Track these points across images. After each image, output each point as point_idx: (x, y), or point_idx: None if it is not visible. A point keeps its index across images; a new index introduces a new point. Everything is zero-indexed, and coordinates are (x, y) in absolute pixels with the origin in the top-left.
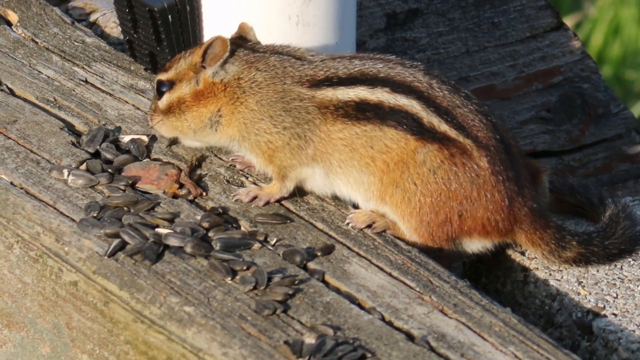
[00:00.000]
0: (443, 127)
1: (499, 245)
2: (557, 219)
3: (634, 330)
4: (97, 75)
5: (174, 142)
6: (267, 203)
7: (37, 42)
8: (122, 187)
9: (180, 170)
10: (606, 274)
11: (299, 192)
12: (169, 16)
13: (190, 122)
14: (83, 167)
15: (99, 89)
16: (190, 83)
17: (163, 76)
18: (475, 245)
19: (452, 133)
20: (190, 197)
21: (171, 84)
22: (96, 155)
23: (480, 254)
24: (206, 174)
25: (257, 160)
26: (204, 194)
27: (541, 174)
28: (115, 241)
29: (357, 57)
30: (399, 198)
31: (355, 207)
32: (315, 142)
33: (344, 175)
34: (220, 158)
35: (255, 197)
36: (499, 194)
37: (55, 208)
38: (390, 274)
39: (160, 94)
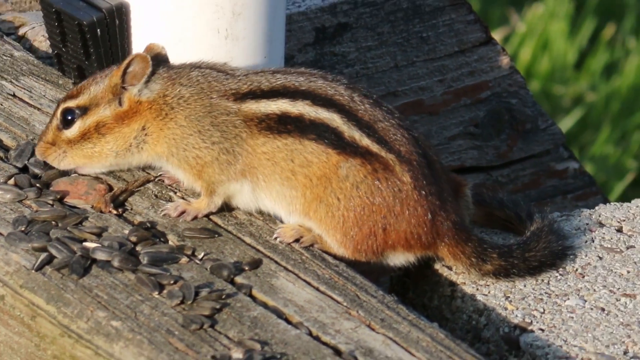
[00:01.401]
0: (365, 141)
1: (422, 259)
2: (485, 233)
3: (560, 346)
4: (25, 89)
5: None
6: (195, 218)
7: None
8: (50, 202)
9: (109, 185)
10: (533, 289)
11: (227, 207)
12: (98, 30)
13: (112, 145)
14: (11, 181)
15: (27, 103)
16: (110, 105)
17: (71, 103)
18: (399, 258)
19: (375, 147)
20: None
21: (84, 110)
22: (24, 170)
23: (407, 268)
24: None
25: (185, 175)
26: (114, 212)
27: (463, 188)
28: (43, 255)
29: (279, 71)
30: (322, 213)
31: (282, 221)
32: (243, 157)
33: (267, 189)
34: (147, 172)
35: (183, 212)
36: (421, 208)
37: None
38: (317, 289)
39: (68, 122)
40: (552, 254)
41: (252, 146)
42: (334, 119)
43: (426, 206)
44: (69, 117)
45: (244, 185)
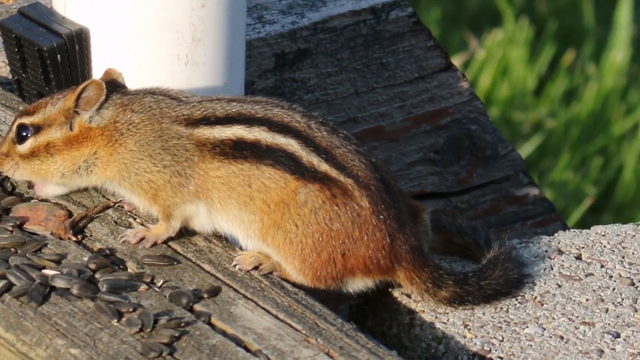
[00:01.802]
0: (323, 166)
1: (380, 285)
2: (444, 260)
3: None
4: None
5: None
6: (155, 244)
7: None
8: (10, 228)
9: (69, 211)
10: (492, 317)
11: (187, 232)
12: (58, 56)
13: (59, 166)
14: None
15: None
16: (61, 128)
17: (27, 120)
18: (358, 284)
19: (333, 173)
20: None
21: (37, 129)
22: None
23: (366, 296)
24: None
25: (140, 200)
26: (74, 238)
27: (422, 213)
28: (2, 282)
29: (235, 99)
30: (280, 239)
31: (242, 248)
32: (195, 179)
33: (224, 212)
34: (107, 198)
35: (142, 239)
36: (380, 232)
37: None
38: (276, 317)
39: (21, 138)
40: (508, 282)
41: (204, 170)
42: (291, 144)
43: (385, 230)
44: (23, 134)
45: (200, 207)
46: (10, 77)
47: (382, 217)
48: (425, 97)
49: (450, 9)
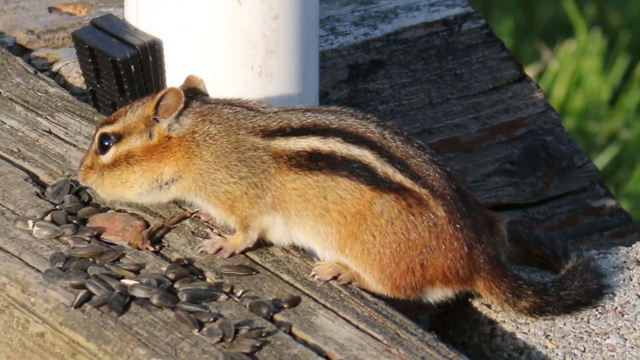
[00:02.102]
0: (398, 177)
1: (460, 295)
2: (522, 270)
3: None
4: (60, 125)
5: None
6: (232, 254)
7: (0, 93)
8: (87, 238)
9: (146, 222)
10: (573, 328)
11: (264, 243)
12: (132, 66)
13: (139, 177)
14: (48, 218)
15: (62, 139)
16: (141, 136)
17: (108, 129)
18: (437, 294)
19: (408, 183)
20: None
21: (118, 137)
22: (61, 206)
23: (446, 306)
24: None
25: (216, 211)
26: (151, 248)
27: (498, 223)
28: (82, 292)
29: (310, 109)
30: (358, 250)
31: (319, 259)
32: (272, 191)
33: (300, 224)
34: (184, 209)
35: (220, 249)
36: (457, 241)
37: (20, 259)
38: (357, 327)
39: (104, 148)
40: (588, 293)
41: (281, 182)
42: (366, 156)
43: (462, 240)
44: (105, 143)
45: (277, 219)
46: (84, 87)
47: (458, 226)
48: (500, 108)
49: (523, 20)
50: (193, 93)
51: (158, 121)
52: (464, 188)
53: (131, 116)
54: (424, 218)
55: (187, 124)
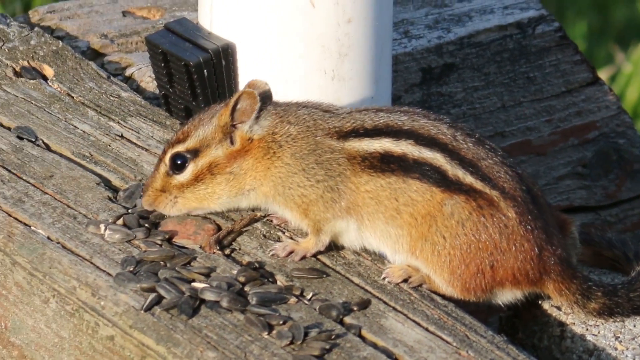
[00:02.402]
0: (469, 179)
1: (529, 296)
2: (593, 273)
3: None
4: (132, 130)
5: None
6: (304, 258)
7: (72, 97)
8: (159, 242)
9: (217, 225)
10: None
11: (335, 245)
12: (205, 70)
13: (224, 185)
14: (120, 221)
15: (134, 144)
16: (222, 145)
17: (181, 147)
18: (507, 296)
19: (479, 185)
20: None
21: (195, 152)
22: (132, 211)
23: (515, 308)
24: (242, 230)
25: (291, 214)
26: (219, 252)
27: (569, 225)
28: (152, 295)
29: (382, 109)
30: (428, 252)
31: (388, 260)
32: (347, 195)
33: (372, 228)
34: (254, 211)
35: (291, 252)
36: (528, 243)
37: (91, 262)
38: (427, 329)
39: (179, 167)
40: None
41: (355, 184)
42: (437, 158)
43: (533, 241)
44: (179, 162)
45: (350, 224)
46: (157, 92)
47: (529, 227)
48: (573, 111)
49: (597, 23)
50: (261, 96)
51: (236, 127)
52: (535, 190)
53: (204, 129)
54: (494, 219)
55: (266, 126)
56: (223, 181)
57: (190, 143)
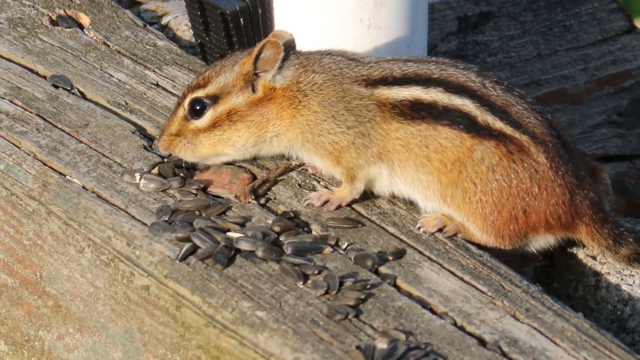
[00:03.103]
0: (498, 124)
1: (562, 242)
2: (627, 222)
3: None
4: (168, 78)
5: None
6: (339, 207)
7: (108, 45)
8: (194, 191)
9: (253, 174)
10: None
11: (371, 194)
12: (241, 19)
13: (243, 132)
14: (155, 170)
15: (170, 92)
16: (243, 92)
17: (200, 93)
18: (540, 241)
19: (508, 130)
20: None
21: (214, 99)
22: (167, 159)
23: (550, 256)
24: (278, 179)
25: (322, 162)
26: (254, 202)
27: (601, 172)
28: (187, 245)
29: (410, 59)
30: (459, 199)
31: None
32: (379, 140)
33: (402, 175)
34: (289, 161)
35: (327, 201)
36: (559, 187)
37: (126, 212)
38: (462, 279)
39: (198, 112)
40: None
41: (385, 130)
42: (466, 105)
43: (564, 185)
44: (198, 107)
45: (382, 169)
46: (193, 40)
47: (560, 172)
48: (608, 60)
49: None
50: (286, 47)
51: (258, 76)
52: (565, 135)
53: (226, 76)
54: (525, 165)
55: (289, 76)
56: (243, 127)
57: (210, 89)
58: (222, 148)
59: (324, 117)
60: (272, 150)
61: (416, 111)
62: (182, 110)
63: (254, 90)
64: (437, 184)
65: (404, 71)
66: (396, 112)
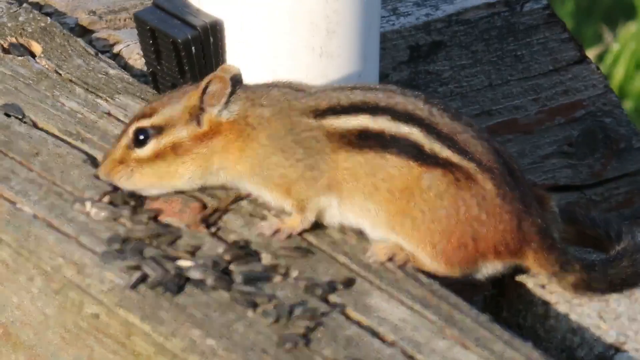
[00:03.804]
0: (445, 152)
1: (510, 269)
2: (577, 251)
3: None
4: (120, 107)
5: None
6: (290, 236)
7: (60, 74)
8: (145, 220)
9: (204, 203)
10: (627, 308)
11: (320, 225)
12: (193, 47)
13: (189, 165)
14: (106, 199)
15: (121, 121)
16: (188, 126)
17: (146, 122)
18: (488, 268)
19: (455, 158)
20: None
21: (159, 130)
22: (118, 188)
23: (500, 286)
24: (228, 208)
25: (272, 195)
26: (205, 230)
27: (548, 200)
28: (137, 273)
29: (357, 87)
30: (408, 227)
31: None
32: (328, 171)
33: (351, 204)
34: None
35: (277, 231)
36: (506, 214)
37: (77, 240)
38: (411, 308)
39: (141, 142)
40: (636, 274)
41: (334, 161)
42: (414, 133)
43: (511, 212)
44: (142, 137)
45: (332, 200)
46: (145, 69)
47: (507, 199)
48: (560, 90)
49: (585, 1)
50: (233, 81)
51: (204, 110)
52: (512, 162)
53: (172, 108)
54: (472, 192)
55: (237, 109)
56: (187, 161)
57: (155, 120)
58: (166, 180)
59: (273, 150)
60: (220, 182)
61: (364, 140)
62: (126, 139)
63: (199, 124)
64: (385, 212)
65: (351, 100)
66: (344, 141)
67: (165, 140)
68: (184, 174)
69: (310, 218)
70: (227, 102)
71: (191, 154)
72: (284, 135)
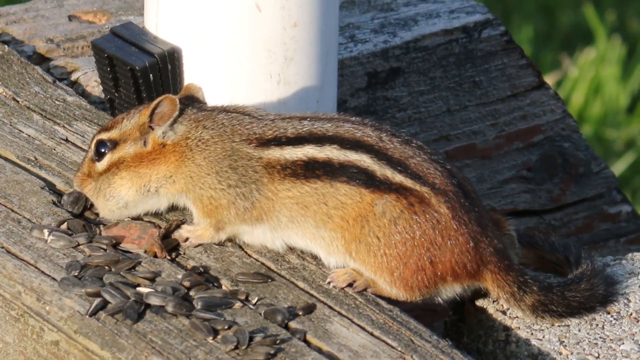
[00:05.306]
0: (398, 177)
1: (469, 291)
2: (537, 275)
3: None
4: (77, 134)
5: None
6: (199, 245)
7: (18, 101)
8: (104, 246)
9: (161, 228)
10: (588, 334)
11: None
12: (150, 75)
13: (126, 182)
14: (64, 226)
15: (79, 147)
16: (136, 143)
17: (105, 135)
18: (448, 291)
19: (409, 182)
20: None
21: (114, 144)
22: (77, 215)
23: (460, 311)
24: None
25: (196, 212)
26: (168, 257)
27: (504, 224)
28: (97, 300)
29: (306, 117)
30: (364, 253)
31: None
32: (262, 203)
33: (299, 229)
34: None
35: (186, 240)
36: (462, 236)
37: (36, 267)
38: (371, 334)
39: (100, 154)
40: (593, 298)
41: (273, 192)
42: (363, 160)
43: (467, 234)
44: (102, 150)
45: (256, 228)
46: (102, 96)
47: (463, 221)
48: (518, 115)
49: (543, 28)
50: (190, 101)
51: (153, 129)
52: (466, 184)
53: (127, 123)
54: (427, 216)
55: (181, 131)
56: (125, 177)
57: (113, 133)
58: (117, 194)
59: (208, 171)
60: (163, 203)
61: (311, 170)
62: (90, 152)
63: (145, 144)
64: (340, 239)
65: (298, 130)
66: (288, 172)
67: (116, 154)
68: (121, 191)
69: (222, 238)
70: (172, 124)
71: (130, 171)
72: (222, 159)
